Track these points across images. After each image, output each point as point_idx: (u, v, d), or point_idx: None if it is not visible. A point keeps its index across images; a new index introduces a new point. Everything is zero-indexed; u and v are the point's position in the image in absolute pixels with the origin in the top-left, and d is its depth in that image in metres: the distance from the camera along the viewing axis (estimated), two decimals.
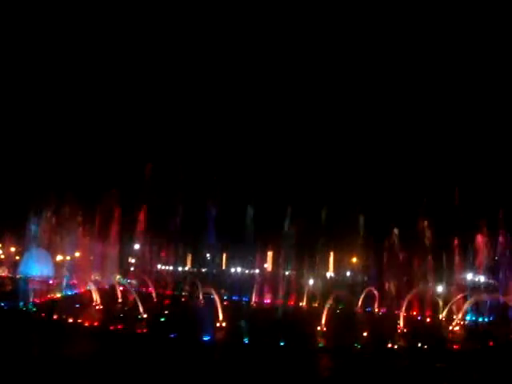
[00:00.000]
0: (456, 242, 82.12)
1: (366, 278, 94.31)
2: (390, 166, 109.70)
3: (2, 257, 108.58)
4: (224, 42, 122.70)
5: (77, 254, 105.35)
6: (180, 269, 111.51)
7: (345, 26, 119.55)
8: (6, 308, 52.36)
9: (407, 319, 50.85)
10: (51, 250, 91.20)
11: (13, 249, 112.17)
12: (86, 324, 45.16)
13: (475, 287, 73.17)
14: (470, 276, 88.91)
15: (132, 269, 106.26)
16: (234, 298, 75.17)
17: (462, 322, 53.63)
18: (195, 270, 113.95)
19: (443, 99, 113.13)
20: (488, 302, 58.06)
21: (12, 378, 27.61)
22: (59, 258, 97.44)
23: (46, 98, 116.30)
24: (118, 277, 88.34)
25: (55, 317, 47.44)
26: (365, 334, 43.25)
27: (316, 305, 67.53)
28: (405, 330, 47.08)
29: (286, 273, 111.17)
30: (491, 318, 57.75)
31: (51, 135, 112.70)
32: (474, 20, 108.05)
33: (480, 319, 58.13)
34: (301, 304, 71.06)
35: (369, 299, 68.40)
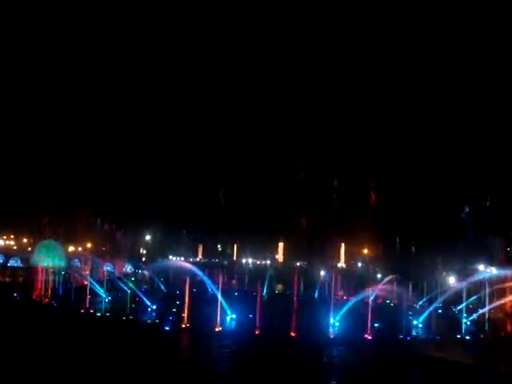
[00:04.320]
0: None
1: (377, 269, 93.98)
2: (400, 157, 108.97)
3: (15, 248, 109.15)
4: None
5: (88, 245, 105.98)
6: (191, 259, 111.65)
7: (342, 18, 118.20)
8: (18, 298, 52.78)
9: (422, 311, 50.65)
10: (63, 241, 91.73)
11: (25, 240, 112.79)
12: (98, 314, 45.46)
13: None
14: (481, 267, 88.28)
15: (144, 259, 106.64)
16: (245, 288, 75.13)
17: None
18: (206, 260, 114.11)
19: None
20: None
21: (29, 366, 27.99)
22: (71, 248, 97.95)
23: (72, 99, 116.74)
24: (130, 267, 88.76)
25: (68, 307, 47.81)
26: (376, 325, 43.16)
27: (327, 295, 67.30)
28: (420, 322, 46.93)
29: (298, 264, 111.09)
30: None
31: (61, 132, 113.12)
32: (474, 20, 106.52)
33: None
34: (312, 294, 70.90)
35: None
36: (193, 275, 70.86)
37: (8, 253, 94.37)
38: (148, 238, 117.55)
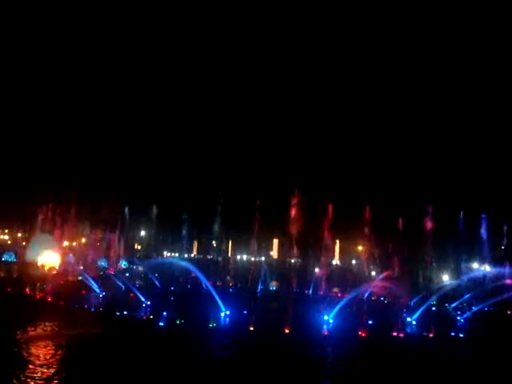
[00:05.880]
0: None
1: (371, 267, 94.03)
2: (395, 154, 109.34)
3: (9, 242, 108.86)
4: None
5: (83, 240, 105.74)
6: (186, 256, 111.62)
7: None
8: (12, 294, 52.62)
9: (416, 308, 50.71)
10: (58, 235, 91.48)
11: (19, 234, 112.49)
12: (92, 309, 45.38)
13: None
14: (476, 265, 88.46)
15: (138, 255, 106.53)
16: (239, 285, 75.15)
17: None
18: (201, 256, 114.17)
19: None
20: None
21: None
22: (66, 243, 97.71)
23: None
24: (124, 263, 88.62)
25: (61, 302, 47.68)
26: (370, 322, 43.21)
27: (321, 293, 67.42)
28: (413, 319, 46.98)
29: (292, 260, 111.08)
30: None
31: (57, 127, 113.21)
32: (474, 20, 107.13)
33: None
34: (307, 292, 70.94)
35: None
36: (187, 271, 71.07)
37: (2, 247, 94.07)
38: (143, 233, 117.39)
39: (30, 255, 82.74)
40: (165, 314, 43.46)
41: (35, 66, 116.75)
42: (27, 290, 54.44)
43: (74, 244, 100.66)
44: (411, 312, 49.22)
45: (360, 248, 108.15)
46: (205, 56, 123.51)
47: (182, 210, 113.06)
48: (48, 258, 79.88)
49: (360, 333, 39.38)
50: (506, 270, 67.47)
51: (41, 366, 27.83)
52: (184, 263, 72.98)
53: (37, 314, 42.14)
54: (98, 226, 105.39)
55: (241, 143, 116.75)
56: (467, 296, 57.62)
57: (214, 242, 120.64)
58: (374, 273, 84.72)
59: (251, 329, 39.22)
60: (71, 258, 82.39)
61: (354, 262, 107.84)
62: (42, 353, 30.49)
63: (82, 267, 75.30)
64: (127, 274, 71.50)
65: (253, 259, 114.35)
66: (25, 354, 29.87)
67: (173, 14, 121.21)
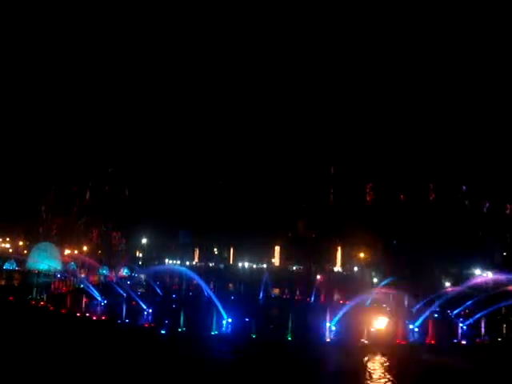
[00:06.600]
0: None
1: (373, 273, 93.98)
2: (397, 161, 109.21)
3: (11, 251, 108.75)
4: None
5: (85, 248, 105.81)
6: (187, 263, 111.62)
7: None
8: (14, 301, 52.54)
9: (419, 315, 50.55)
10: (59, 243, 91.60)
11: (21, 243, 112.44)
12: (94, 318, 45.28)
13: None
14: (477, 272, 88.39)
15: (140, 263, 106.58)
16: (241, 292, 74.97)
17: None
18: (203, 264, 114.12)
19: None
20: None
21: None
22: (67, 251, 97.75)
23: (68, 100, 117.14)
24: (126, 271, 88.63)
25: (63, 310, 47.62)
26: (373, 329, 43.10)
27: (323, 300, 67.27)
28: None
29: (294, 268, 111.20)
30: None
31: (56, 133, 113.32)
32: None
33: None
34: (308, 299, 70.82)
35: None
36: (189, 279, 70.97)
37: (3, 256, 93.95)
38: (144, 241, 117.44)
39: (31, 263, 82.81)
40: (166, 321, 43.40)
41: (35, 65, 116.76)
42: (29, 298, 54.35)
43: (76, 252, 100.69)
44: (414, 319, 49.06)
45: (362, 255, 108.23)
46: (208, 41, 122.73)
47: (184, 218, 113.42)
48: (49, 265, 79.88)
49: (363, 340, 39.28)
50: (508, 276, 67.32)
51: None
52: (185, 271, 73.06)
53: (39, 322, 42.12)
54: (100, 234, 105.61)
55: (242, 149, 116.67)
56: (470, 302, 57.41)
57: (215, 250, 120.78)
58: (375, 279, 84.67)
59: (253, 336, 39.13)
60: (73, 265, 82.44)
61: (355, 268, 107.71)
62: None
63: (83, 275, 75.36)
64: (129, 282, 71.44)
65: (254, 266, 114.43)
66: None
67: (173, 13, 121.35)
